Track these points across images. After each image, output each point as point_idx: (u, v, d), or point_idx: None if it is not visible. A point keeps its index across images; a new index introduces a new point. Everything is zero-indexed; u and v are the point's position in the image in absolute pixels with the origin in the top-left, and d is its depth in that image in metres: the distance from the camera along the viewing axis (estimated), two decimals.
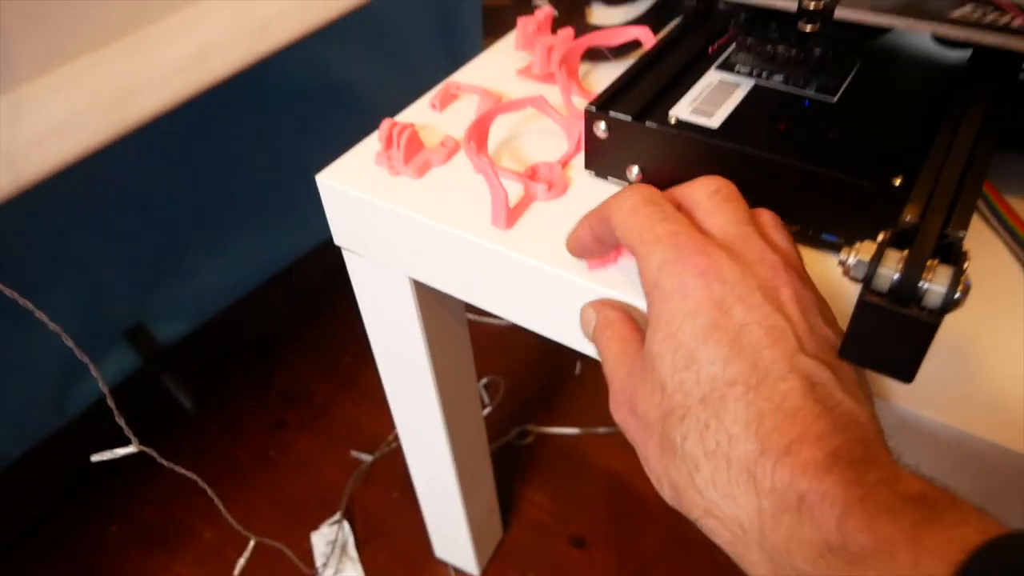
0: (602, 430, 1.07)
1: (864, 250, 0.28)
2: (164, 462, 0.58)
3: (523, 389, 1.14)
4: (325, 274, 1.34)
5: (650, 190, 0.35)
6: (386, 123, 0.50)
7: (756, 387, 0.27)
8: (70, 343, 0.46)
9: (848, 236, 0.40)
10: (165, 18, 0.51)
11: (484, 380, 1.15)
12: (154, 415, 1.11)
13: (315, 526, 1.00)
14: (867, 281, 0.28)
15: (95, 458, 0.52)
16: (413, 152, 0.50)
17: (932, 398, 0.34)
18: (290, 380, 1.20)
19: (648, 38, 0.56)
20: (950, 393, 0.34)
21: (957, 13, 0.37)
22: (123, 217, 0.94)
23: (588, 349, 0.44)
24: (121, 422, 0.52)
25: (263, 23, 0.56)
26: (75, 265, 0.91)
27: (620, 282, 0.41)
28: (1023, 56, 0.38)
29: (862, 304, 0.28)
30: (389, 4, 1.18)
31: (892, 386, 0.35)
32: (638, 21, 0.60)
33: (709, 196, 0.35)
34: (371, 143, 0.53)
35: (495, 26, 1.48)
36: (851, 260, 0.29)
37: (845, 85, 0.45)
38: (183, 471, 0.59)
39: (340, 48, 1.12)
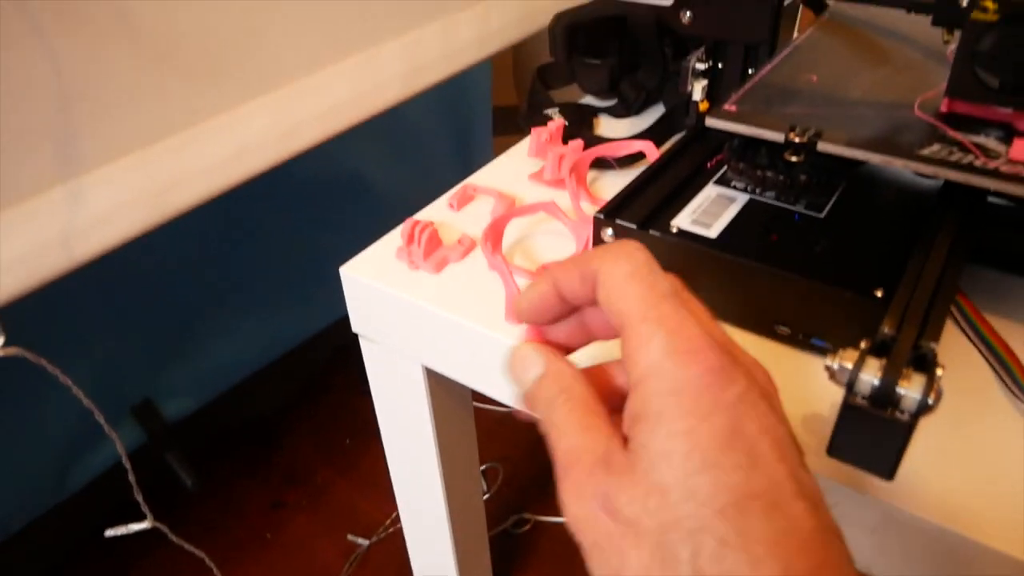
0: None
1: (847, 357, 0.32)
2: (175, 539, 0.59)
3: (521, 476, 1.16)
4: (328, 358, 1.37)
5: (647, 252, 0.30)
6: (408, 222, 0.54)
7: (776, 504, 0.25)
8: (93, 407, 0.49)
9: (835, 341, 0.43)
10: (206, 121, 0.55)
11: (483, 467, 1.16)
12: (155, 492, 1.12)
13: None
14: (850, 386, 0.31)
15: (109, 533, 0.54)
16: (432, 249, 0.54)
17: (913, 494, 0.36)
18: (290, 461, 1.21)
19: (652, 151, 0.61)
20: (930, 490, 0.37)
21: (926, 151, 0.41)
22: (139, 295, 0.98)
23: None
24: (139, 497, 0.54)
25: (293, 126, 0.60)
26: (90, 340, 0.94)
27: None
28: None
29: (847, 407, 0.31)
30: (406, 106, 1.25)
31: (876, 482, 0.37)
32: (643, 135, 0.65)
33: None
34: (392, 238, 0.57)
35: (503, 125, 1.56)
36: (836, 366, 0.32)
37: (831, 203, 0.49)
38: (192, 549, 0.61)
39: (358, 144, 1.19)
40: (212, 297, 1.07)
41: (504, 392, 0.51)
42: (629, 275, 0.29)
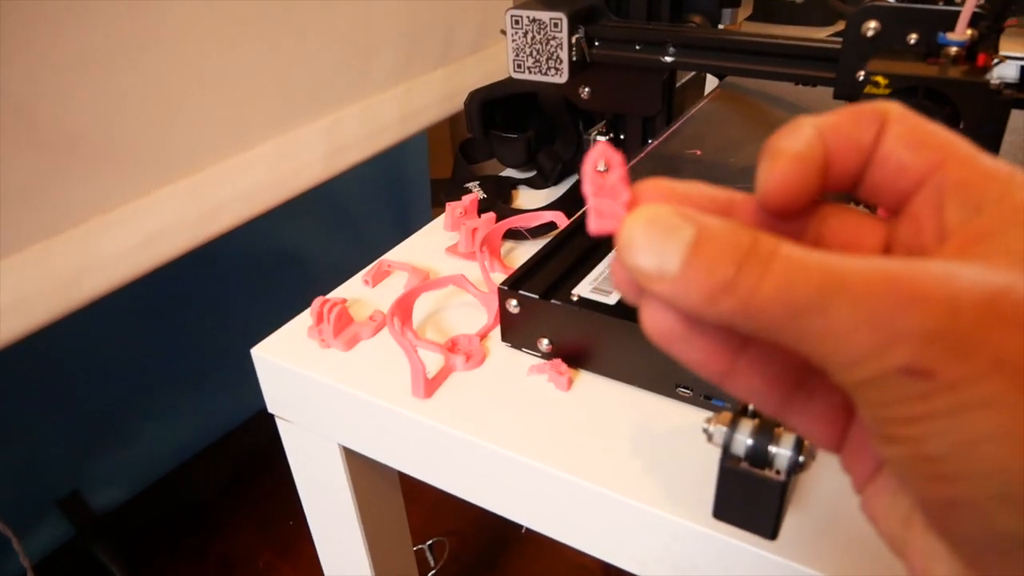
0: None
1: (723, 419, 0.32)
2: None
3: (469, 551, 1.13)
4: (265, 439, 1.34)
5: None
6: (317, 300, 0.54)
7: None
8: None
9: (734, 402, 0.44)
10: (116, 208, 0.55)
11: (430, 541, 1.14)
12: None
13: None
14: (726, 448, 0.31)
15: None
16: (343, 326, 0.54)
17: (803, 550, 0.37)
18: (229, 547, 1.17)
19: (562, 220, 0.62)
20: (821, 545, 0.37)
21: None
22: (61, 384, 0.95)
23: (519, 515, 0.46)
24: None
25: (210, 210, 0.61)
26: (9, 431, 0.91)
27: (531, 432, 0.44)
28: None
29: (724, 469, 0.31)
30: (342, 180, 1.26)
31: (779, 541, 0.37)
32: (556, 204, 0.66)
33: None
34: (304, 317, 0.57)
35: (443, 197, 1.58)
36: (712, 429, 0.32)
37: None
38: None
39: (292, 220, 1.19)
40: (140, 382, 1.05)
41: (420, 470, 0.50)
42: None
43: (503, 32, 0.59)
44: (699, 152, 0.52)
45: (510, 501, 0.46)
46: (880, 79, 0.41)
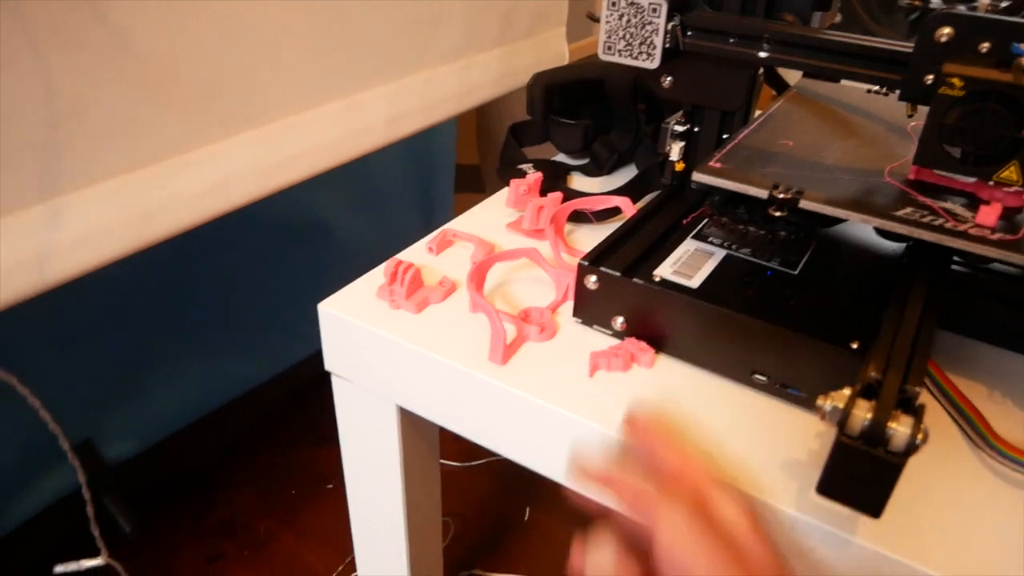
0: None
1: (838, 398, 0.33)
2: None
3: (472, 532, 1.14)
4: (275, 407, 1.34)
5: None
6: (392, 261, 0.54)
7: None
8: (58, 431, 0.47)
9: (809, 390, 0.45)
10: (192, 150, 0.55)
11: None
12: (88, 536, 1.06)
13: None
14: (841, 424, 0.32)
15: (59, 569, 0.52)
16: (414, 289, 0.54)
17: (897, 539, 0.38)
18: (232, 510, 1.17)
19: (628, 207, 0.63)
20: (909, 536, 0.38)
21: (901, 212, 0.44)
22: (89, 332, 0.95)
23: (568, 481, 0.46)
24: (95, 531, 0.51)
25: (277, 163, 0.61)
26: (32, 375, 0.90)
27: (608, 403, 0.44)
28: (952, 251, 0.45)
29: (838, 444, 0.32)
30: (373, 157, 1.26)
31: (860, 524, 0.38)
32: (619, 191, 0.67)
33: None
34: (372, 278, 0.57)
35: (464, 183, 1.58)
36: (827, 406, 0.33)
37: (804, 261, 0.51)
38: None
39: (321, 192, 1.19)
40: (162, 338, 1.04)
41: (482, 434, 0.51)
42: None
43: (590, 16, 0.60)
44: (791, 143, 0.53)
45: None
46: (956, 80, 0.42)
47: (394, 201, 1.36)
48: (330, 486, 1.22)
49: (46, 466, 0.96)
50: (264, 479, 1.22)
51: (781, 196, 0.45)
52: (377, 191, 1.31)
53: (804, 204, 0.45)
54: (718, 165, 0.50)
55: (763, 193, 0.46)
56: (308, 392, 1.38)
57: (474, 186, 1.60)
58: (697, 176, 0.50)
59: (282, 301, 1.23)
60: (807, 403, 0.45)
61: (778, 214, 0.46)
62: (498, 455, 0.51)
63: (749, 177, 0.48)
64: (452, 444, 1.27)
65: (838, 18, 0.57)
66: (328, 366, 0.58)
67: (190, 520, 1.15)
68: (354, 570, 1.07)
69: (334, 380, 0.59)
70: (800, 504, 0.39)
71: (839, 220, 0.47)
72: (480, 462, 1.26)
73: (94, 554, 0.88)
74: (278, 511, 1.17)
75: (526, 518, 1.17)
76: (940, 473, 0.42)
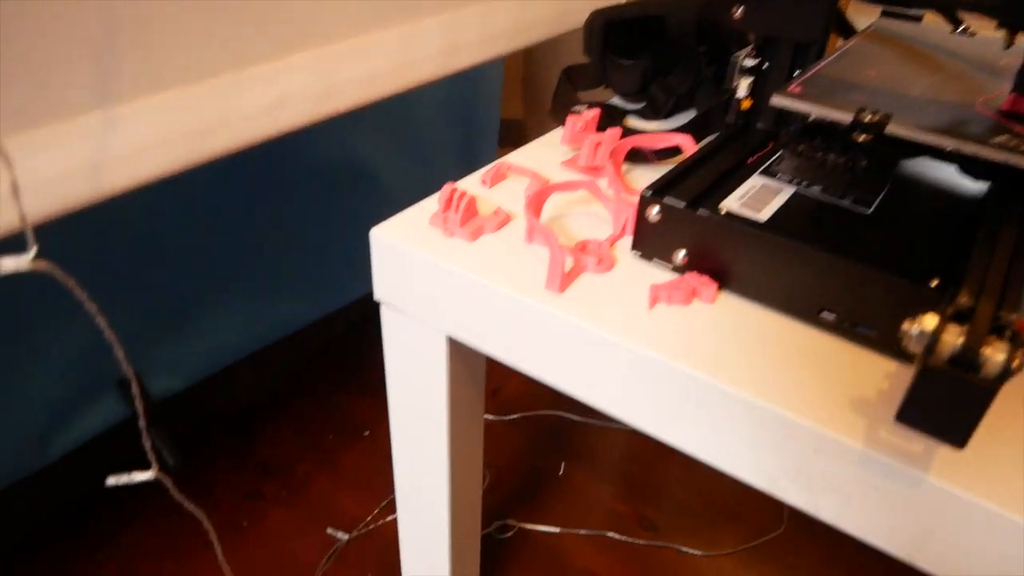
0: (583, 531, 1.06)
1: (927, 322, 0.31)
2: (176, 494, 0.57)
3: (506, 484, 1.14)
4: (317, 352, 1.35)
5: None
6: (447, 187, 0.53)
7: None
8: (113, 341, 0.47)
9: (881, 331, 0.43)
10: (251, 67, 0.54)
11: None
12: (132, 468, 1.08)
13: None
14: (930, 348, 0.30)
15: (111, 481, 0.52)
16: (469, 217, 0.53)
17: (972, 478, 0.36)
18: (270, 452, 1.18)
19: (690, 146, 0.61)
20: (988, 476, 0.36)
21: (996, 140, 0.41)
22: (137, 266, 0.95)
23: (644, 421, 0.45)
24: (147, 445, 0.52)
25: (331, 87, 0.60)
26: (80, 307, 0.91)
27: (669, 336, 0.43)
28: None
29: (925, 370, 0.30)
30: (418, 102, 1.25)
31: (935, 460, 0.37)
32: (680, 130, 0.65)
33: None
34: (425, 206, 0.56)
35: (507, 137, 1.56)
36: (914, 330, 0.31)
37: (878, 201, 0.49)
38: (192, 507, 0.58)
39: (367, 136, 1.18)
40: (210, 276, 1.05)
41: (534, 364, 0.50)
42: None
43: None
44: (874, 73, 0.51)
45: (638, 405, 0.46)
46: None
47: (438, 151, 1.35)
48: (367, 433, 1.23)
49: (94, 397, 0.98)
50: (303, 423, 1.23)
51: (867, 119, 0.43)
52: (421, 140, 1.30)
53: (891, 129, 0.43)
54: (798, 90, 0.48)
55: (847, 117, 0.44)
56: (348, 340, 1.39)
57: (517, 141, 1.58)
58: (776, 100, 0.47)
59: (326, 247, 1.23)
60: (879, 343, 0.43)
61: (863, 138, 0.44)
62: (534, 411, 0.50)
63: (832, 102, 0.46)
64: (489, 399, 1.27)
65: None
66: (378, 295, 0.57)
67: (230, 459, 1.16)
68: (389, 513, 1.08)
69: (383, 310, 0.58)
70: (870, 439, 0.38)
71: (923, 151, 0.44)
72: (516, 416, 1.25)
73: (131, 491, 0.90)
74: (316, 455, 1.18)
75: (560, 473, 1.16)
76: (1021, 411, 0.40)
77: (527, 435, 1.23)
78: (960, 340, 0.30)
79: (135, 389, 0.46)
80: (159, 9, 0.47)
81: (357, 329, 1.41)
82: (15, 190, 0.35)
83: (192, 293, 1.04)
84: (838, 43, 0.67)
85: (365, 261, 1.34)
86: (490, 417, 1.24)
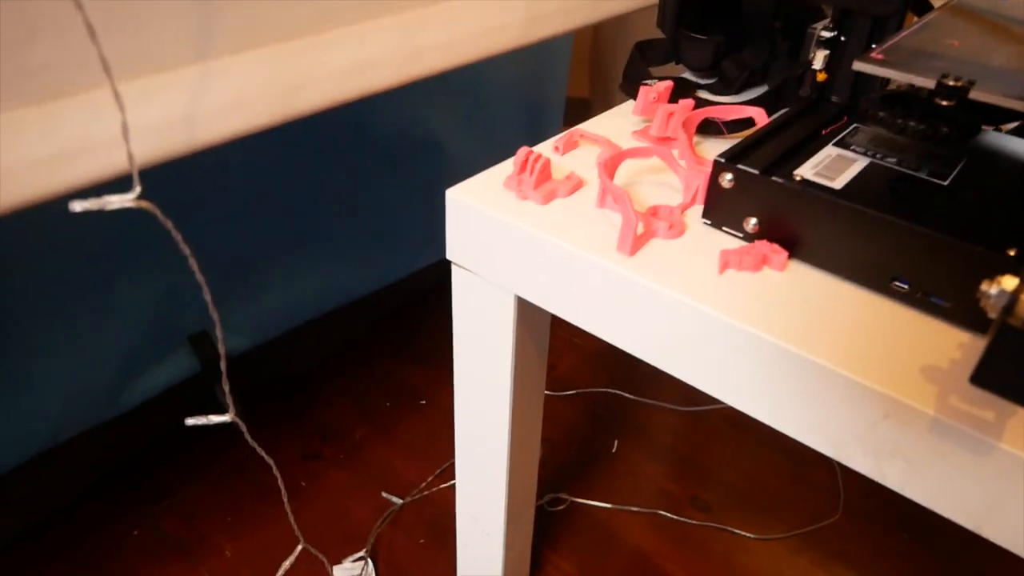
0: (634, 508, 1.07)
1: (1007, 282, 0.31)
2: (249, 439, 0.60)
3: (559, 458, 1.15)
4: (376, 321, 1.38)
5: None
6: (522, 151, 0.54)
7: None
8: (203, 283, 0.49)
9: (956, 301, 0.43)
10: (339, 27, 0.56)
11: None
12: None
13: (338, 560, 0.99)
14: (1009, 308, 0.30)
15: (190, 421, 0.55)
16: (542, 180, 0.54)
17: None
18: (329, 415, 1.22)
19: (762, 118, 0.61)
20: None
21: None
22: (212, 226, 0.99)
23: (710, 385, 0.46)
24: (225, 387, 0.54)
25: (417, 49, 0.61)
26: (158, 263, 0.95)
27: (739, 300, 0.43)
28: None
29: (1004, 328, 0.30)
30: (486, 81, 1.26)
31: (1004, 427, 0.36)
32: (752, 103, 0.64)
33: None
34: (499, 171, 0.57)
35: (573, 115, 1.57)
36: (993, 290, 0.31)
37: (954, 173, 0.48)
38: (263, 453, 0.61)
39: (437, 109, 1.20)
40: (279, 240, 1.08)
41: (601, 325, 0.51)
42: None
43: None
44: (956, 43, 0.50)
45: (706, 369, 0.46)
46: None
47: (503, 127, 1.36)
48: (423, 402, 1.25)
49: (165, 351, 1.02)
50: (361, 389, 1.26)
51: (951, 83, 0.43)
52: (488, 115, 1.31)
53: (975, 94, 0.43)
54: (880, 56, 0.47)
55: (930, 83, 0.44)
56: (408, 309, 1.42)
57: (583, 119, 1.59)
58: (859, 66, 0.47)
59: (390, 216, 1.25)
60: (952, 314, 0.43)
61: (946, 104, 0.43)
62: (589, 388, 0.51)
63: (915, 68, 0.45)
64: (546, 374, 1.28)
65: None
66: (450, 255, 0.59)
67: (290, 419, 1.20)
68: (444, 481, 1.10)
69: (454, 271, 0.60)
70: (941, 406, 0.38)
71: (1003, 118, 0.44)
72: (571, 392, 1.26)
73: (195, 440, 0.93)
74: (373, 420, 1.21)
75: (613, 450, 1.17)
76: None
77: (581, 411, 1.24)
78: None
79: (219, 333, 0.49)
80: None
81: (416, 300, 1.43)
82: (125, 132, 0.38)
83: (260, 256, 1.08)
84: (914, 20, 0.66)
85: (427, 233, 1.37)
86: (546, 392, 1.26)
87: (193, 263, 0.45)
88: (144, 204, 0.41)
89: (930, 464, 0.39)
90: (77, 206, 0.39)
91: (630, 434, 1.20)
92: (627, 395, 1.26)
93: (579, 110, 1.57)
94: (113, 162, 0.45)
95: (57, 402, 0.92)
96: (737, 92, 0.75)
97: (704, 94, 0.76)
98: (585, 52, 1.56)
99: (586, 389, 1.27)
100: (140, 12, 0.45)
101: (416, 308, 1.43)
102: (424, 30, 0.60)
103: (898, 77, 0.45)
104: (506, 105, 1.32)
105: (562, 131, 1.49)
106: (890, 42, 0.50)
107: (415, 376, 1.30)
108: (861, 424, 0.41)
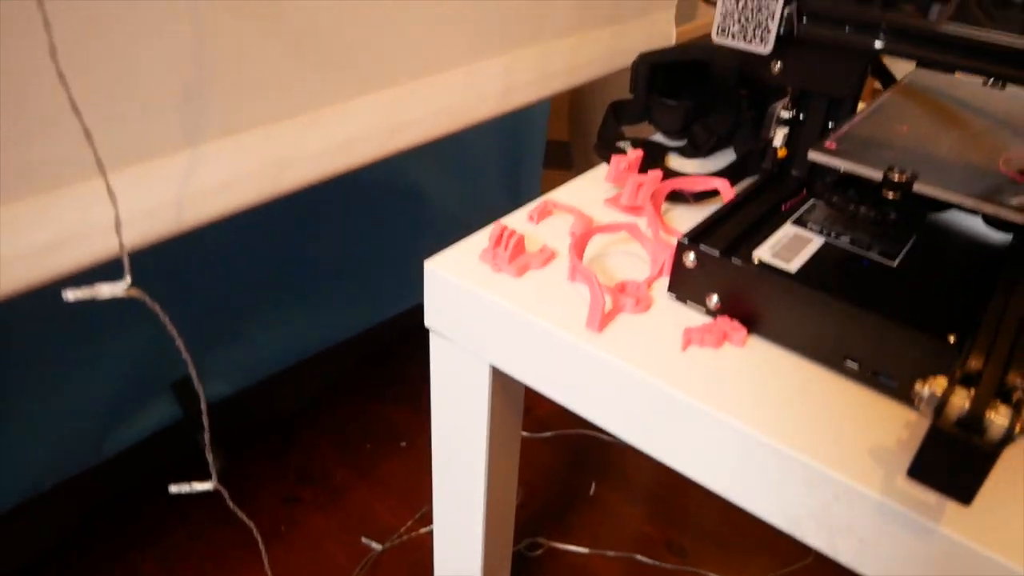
0: (611, 553, 1.08)
1: (937, 385, 0.34)
2: (230, 503, 0.61)
3: (537, 502, 1.17)
4: (356, 363, 1.39)
5: None
6: (497, 225, 0.57)
7: None
8: (188, 357, 0.51)
9: (902, 380, 0.45)
10: (324, 107, 0.58)
11: None
12: (178, 470, 1.14)
13: None
14: (939, 410, 0.33)
15: (173, 489, 0.56)
16: (516, 254, 0.56)
17: (983, 531, 0.38)
18: (309, 459, 1.23)
19: (727, 189, 0.64)
20: (1000, 528, 0.38)
21: (1015, 201, 0.44)
22: (199, 273, 1.01)
23: (672, 458, 0.48)
24: (209, 457, 0.56)
25: (400, 124, 0.64)
26: (142, 312, 0.96)
27: (700, 379, 0.46)
28: None
29: (934, 430, 0.33)
30: (467, 132, 1.29)
31: (945, 513, 0.39)
32: (717, 175, 0.67)
33: None
34: (474, 241, 0.60)
35: (552, 158, 1.60)
36: (925, 392, 0.34)
37: (904, 252, 0.51)
38: (244, 517, 0.62)
39: (416, 156, 1.22)
40: (263, 286, 1.10)
41: (572, 398, 0.53)
42: None
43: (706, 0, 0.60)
44: (905, 128, 0.53)
45: (666, 442, 0.48)
46: None
47: (484, 171, 1.38)
48: (403, 444, 1.27)
49: (149, 399, 1.03)
50: (341, 431, 1.28)
51: (896, 178, 0.45)
52: (469, 160, 1.34)
53: (918, 188, 0.45)
54: (833, 146, 0.50)
55: (878, 174, 0.47)
56: (388, 351, 1.43)
57: (562, 162, 1.62)
58: (813, 156, 0.50)
59: (371, 260, 1.27)
60: (899, 393, 0.46)
61: (891, 195, 0.46)
62: (567, 429, 0.53)
63: (865, 159, 0.48)
64: (523, 416, 1.30)
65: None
66: (428, 322, 0.61)
67: (271, 463, 1.21)
68: (423, 525, 1.12)
69: (432, 336, 0.62)
70: (886, 489, 0.40)
71: (949, 206, 0.47)
72: (549, 434, 1.28)
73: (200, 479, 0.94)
74: (354, 463, 1.23)
75: (591, 492, 1.19)
76: None
77: (559, 453, 1.26)
78: (967, 404, 0.32)
79: (203, 408, 0.50)
80: (246, 55, 0.51)
81: (397, 341, 1.45)
82: (118, 227, 0.40)
83: (244, 303, 1.09)
84: (875, 85, 0.69)
85: (408, 277, 1.38)
86: (524, 434, 1.27)
87: (180, 344, 0.47)
88: (134, 292, 0.43)
89: (878, 543, 0.41)
90: (70, 295, 0.41)
91: (607, 476, 1.22)
92: (604, 436, 1.28)
93: (559, 153, 1.61)
94: (106, 247, 0.47)
95: (41, 451, 0.93)
96: (707, 155, 0.78)
97: (674, 156, 0.79)
98: (564, 96, 1.59)
99: (564, 431, 1.29)
100: (133, 104, 0.47)
101: (398, 349, 1.45)
102: (405, 107, 0.63)
103: (848, 168, 0.48)
104: (486, 150, 1.35)
105: (542, 174, 1.52)
106: (844, 128, 0.53)
107: (396, 417, 1.32)
108: (814, 503, 0.43)
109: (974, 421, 0.32)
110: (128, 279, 0.41)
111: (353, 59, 0.57)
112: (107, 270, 0.50)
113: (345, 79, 0.57)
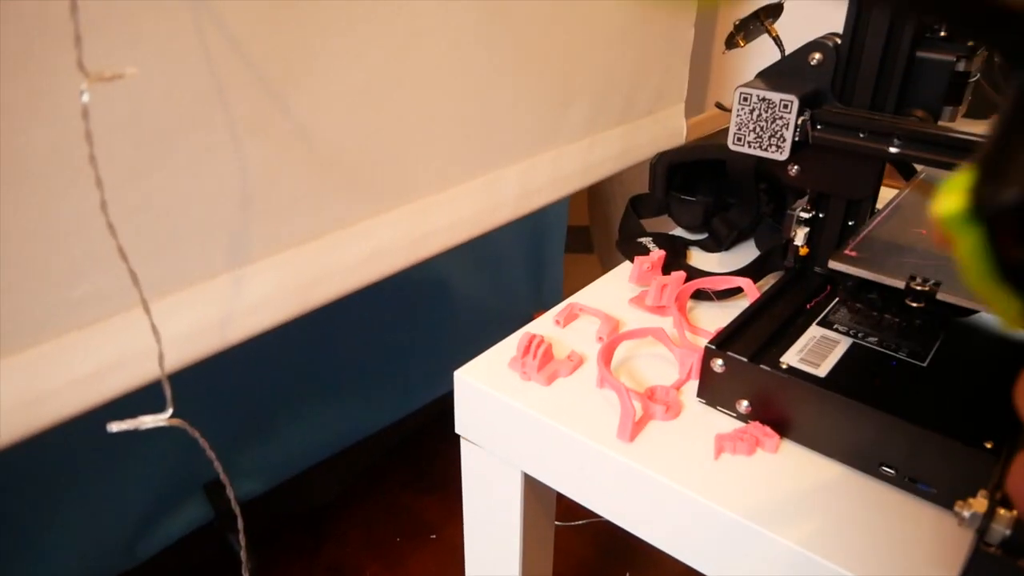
0: None
1: (977, 505, 0.34)
2: None
3: None
4: (384, 457, 1.39)
5: None
6: (525, 335, 0.58)
7: None
8: (226, 481, 0.52)
9: (940, 487, 0.45)
10: (352, 225, 0.61)
11: None
12: (209, 570, 1.13)
13: None
14: (982, 533, 0.33)
15: None
16: (545, 362, 0.57)
17: None
18: (339, 554, 1.22)
19: (750, 288, 0.65)
20: None
21: None
22: (228, 372, 1.02)
23: (707, 567, 0.48)
24: (243, 557, 0.56)
25: (424, 235, 0.66)
26: (178, 415, 0.98)
27: (735, 489, 0.46)
28: None
29: (979, 553, 0.33)
30: None
31: None
32: (740, 272, 0.68)
33: None
34: (503, 348, 0.61)
35: (574, 244, 1.62)
36: (967, 514, 0.34)
37: (933, 352, 0.52)
38: None
39: (443, 253, 1.25)
40: (291, 383, 1.11)
41: (605, 506, 0.53)
42: None
43: (719, 106, 0.62)
44: (924, 232, 0.54)
45: (702, 550, 0.48)
46: None
47: (508, 259, 1.41)
48: (433, 536, 1.25)
49: (181, 501, 1.03)
50: (371, 525, 1.27)
51: (918, 288, 0.46)
52: (492, 249, 1.36)
53: (942, 296, 0.46)
54: (853, 253, 0.51)
55: (900, 283, 0.47)
56: (415, 443, 1.43)
57: (583, 247, 1.64)
58: (834, 264, 0.51)
59: (397, 353, 1.28)
60: (938, 499, 0.45)
61: (915, 305, 0.47)
62: (599, 517, 0.53)
63: (885, 266, 0.49)
64: (555, 513, 1.29)
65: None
66: (459, 429, 0.61)
67: (301, 560, 1.20)
68: None
69: (463, 443, 0.63)
70: None
71: (975, 311, 0.47)
72: (582, 522, 1.26)
73: None
74: (384, 557, 1.21)
75: None
76: None
77: (592, 542, 1.24)
78: (1009, 532, 0.32)
79: (236, 511, 0.51)
80: (281, 181, 0.54)
81: (423, 433, 1.45)
82: (161, 360, 0.41)
83: (273, 400, 1.11)
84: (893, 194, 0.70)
85: (436, 367, 1.39)
86: (556, 523, 1.26)
87: (217, 465, 0.48)
88: (176, 422, 0.44)
89: None
90: (114, 427, 0.42)
91: (641, 564, 1.19)
92: None
93: (580, 238, 1.63)
94: (145, 373, 0.48)
95: (75, 557, 0.93)
96: (727, 249, 0.80)
97: (695, 250, 0.80)
98: None
99: (595, 519, 1.27)
100: (174, 240, 0.49)
101: (426, 438, 1.44)
102: (427, 219, 0.65)
103: (870, 276, 0.49)
104: (508, 239, 1.38)
105: (564, 259, 1.53)
106: (863, 233, 0.54)
107: (426, 508, 1.31)
108: None
109: (1018, 546, 0.32)
110: (170, 410, 0.43)
111: (378, 179, 0.60)
112: (146, 392, 0.51)
113: (372, 197, 0.60)
